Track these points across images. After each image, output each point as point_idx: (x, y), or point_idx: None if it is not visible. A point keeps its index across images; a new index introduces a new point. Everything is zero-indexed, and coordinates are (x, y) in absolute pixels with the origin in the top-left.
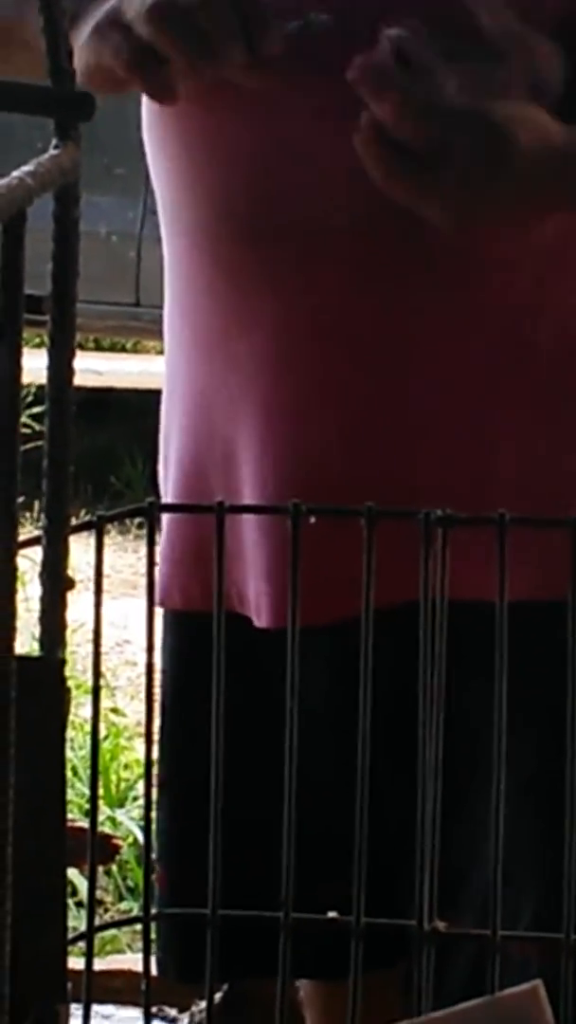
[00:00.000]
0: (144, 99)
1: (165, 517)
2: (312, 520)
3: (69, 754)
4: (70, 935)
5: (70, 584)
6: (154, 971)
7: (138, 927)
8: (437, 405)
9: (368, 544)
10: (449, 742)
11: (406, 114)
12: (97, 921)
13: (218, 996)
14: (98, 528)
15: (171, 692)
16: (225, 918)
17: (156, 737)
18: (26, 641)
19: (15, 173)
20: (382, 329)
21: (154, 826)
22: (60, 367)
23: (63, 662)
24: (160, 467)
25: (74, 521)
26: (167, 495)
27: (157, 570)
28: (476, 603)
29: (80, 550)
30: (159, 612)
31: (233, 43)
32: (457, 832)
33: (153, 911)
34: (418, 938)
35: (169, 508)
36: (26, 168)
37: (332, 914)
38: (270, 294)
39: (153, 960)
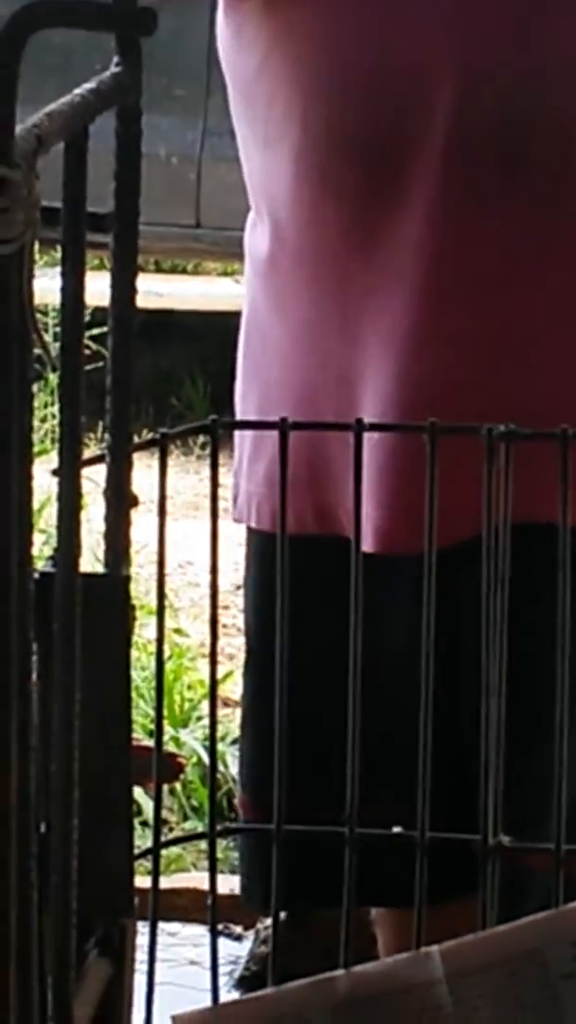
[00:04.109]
0: (225, 21)
1: (266, 438)
2: (375, 436)
3: (133, 675)
4: (136, 852)
5: (134, 501)
6: (220, 889)
7: (203, 845)
8: (562, 328)
9: (431, 459)
10: (514, 662)
11: None
12: (162, 839)
13: (283, 914)
14: (162, 445)
15: (255, 618)
16: (292, 839)
17: (223, 668)
18: (88, 563)
19: (76, 91)
20: (500, 254)
21: (225, 748)
22: (123, 283)
23: (128, 579)
24: (238, 387)
25: (137, 440)
26: (251, 414)
27: (241, 491)
28: (545, 525)
29: (142, 473)
30: (229, 542)
31: None
32: (519, 752)
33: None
34: (483, 852)
35: (232, 425)
36: (88, 85)
37: (396, 829)
38: (391, 216)
39: (223, 879)
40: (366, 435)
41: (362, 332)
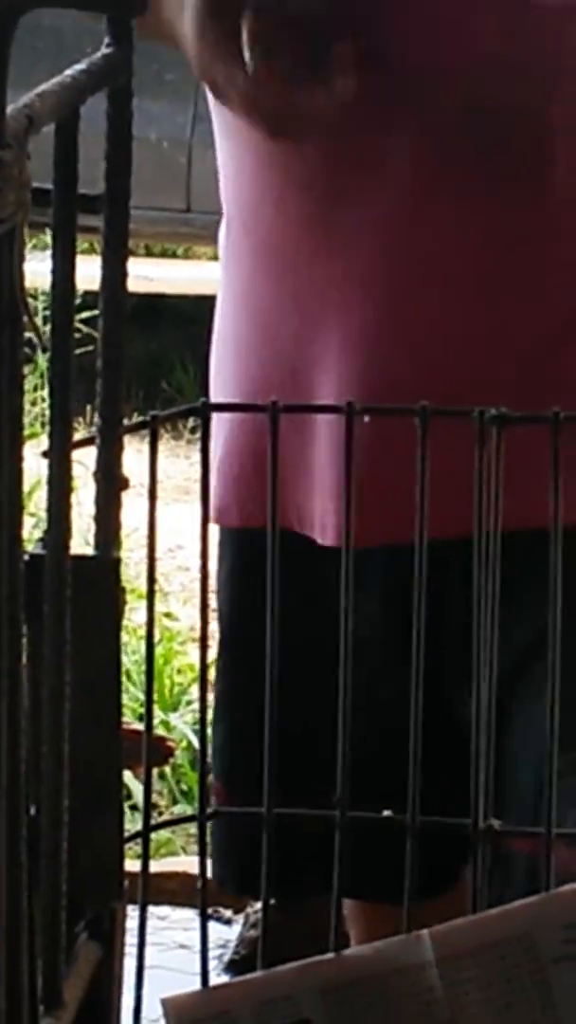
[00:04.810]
0: None
1: (222, 432)
2: (366, 419)
3: (123, 658)
4: (126, 836)
5: (124, 484)
6: (209, 873)
7: (192, 829)
8: (531, 318)
9: (422, 442)
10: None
11: None
12: (152, 823)
13: (273, 900)
14: (152, 428)
15: (228, 611)
16: (281, 824)
17: (213, 652)
18: (79, 547)
19: (67, 72)
20: (470, 245)
21: (209, 734)
22: (114, 265)
23: (118, 561)
24: (212, 379)
25: (127, 423)
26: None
27: (212, 487)
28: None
29: (132, 458)
30: (215, 530)
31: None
32: (505, 741)
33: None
34: (474, 836)
35: (222, 408)
36: (79, 67)
37: (387, 813)
38: (348, 212)
39: (209, 864)
40: (321, 428)
41: (322, 326)
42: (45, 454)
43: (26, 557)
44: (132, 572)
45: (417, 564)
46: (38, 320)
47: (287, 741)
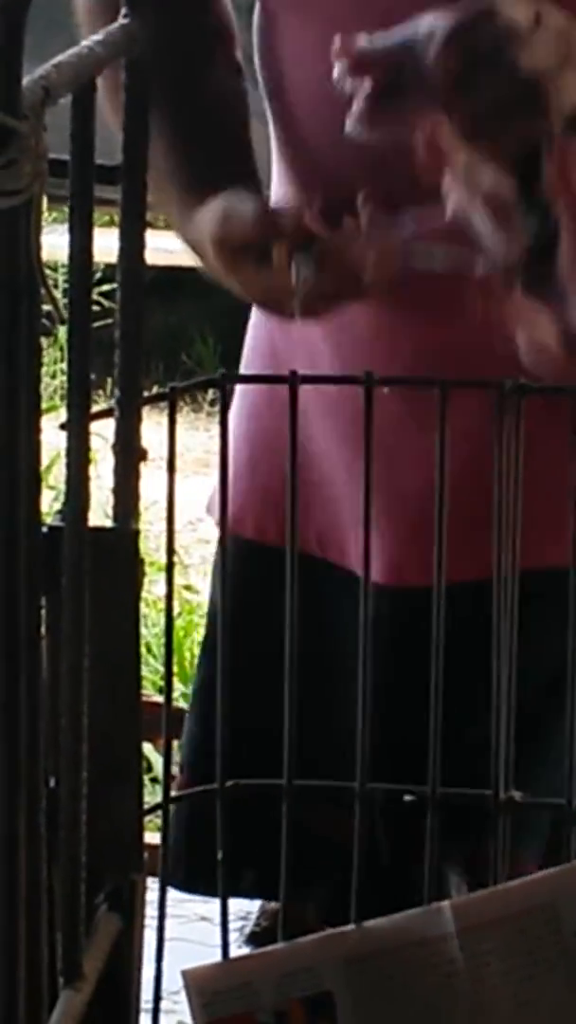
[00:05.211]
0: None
1: (241, 447)
2: (385, 391)
3: (143, 631)
4: (145, 808)
5: (142, 455)
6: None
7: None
8: None
9: (441, 415)
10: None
11: None
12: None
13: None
14: (171, 399)
15: (223, 616)
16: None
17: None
18: (98, 520)
19: (84, 42)
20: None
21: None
22: (132, 235)
23: (137, 532)
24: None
25: (147, 395)
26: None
27: (231, 496)
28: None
29: (151, 431)
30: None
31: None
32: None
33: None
34: (495, 808)
35: (240, 379)
36: (95, 37)
37: (408, 798)
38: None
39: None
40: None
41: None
42: (63, 426)
43: (45, 529)
44: (152, 545)
45: (436, 551)
46: (57, 294)
47: (271, 736)
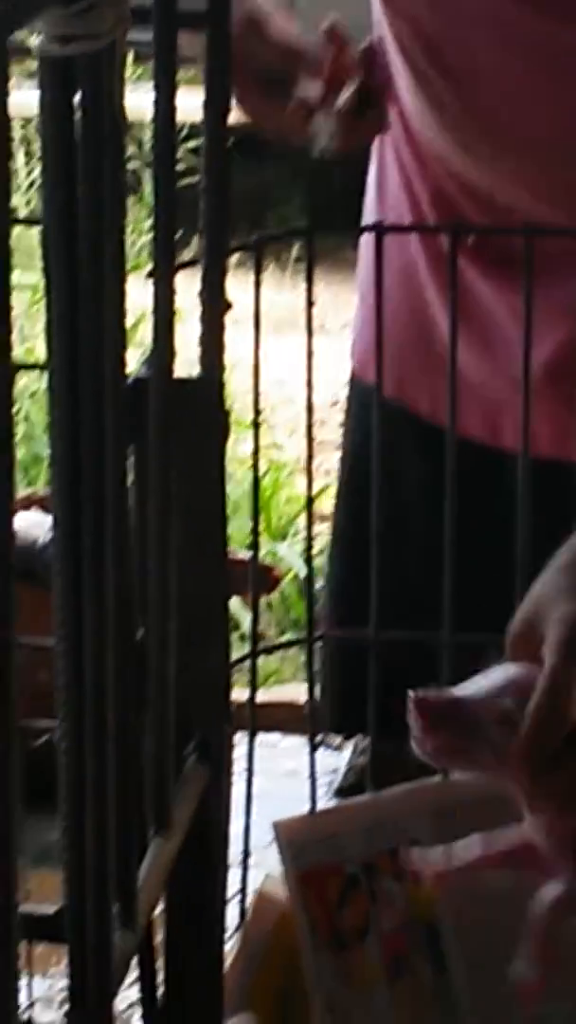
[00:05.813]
0: None
1: (370, 294)
2: (470, 242)
3: (230, 489)
4: (233, 660)
5: (228, 306)
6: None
7: (302, 659)
8: None
9: (527, 266)
10: None
11: None
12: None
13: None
14: (258, 250)
15: (353, 464)
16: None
17: (319, 483)
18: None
19: None
20: None
21: (322, 562)
22: (216, 90)
23: (222, 382)
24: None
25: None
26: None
27: (359, 344)
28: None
29: (237, 288)
30: (336, 348)
31: None
32: None
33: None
34: None
35: (326, 230)
36: None
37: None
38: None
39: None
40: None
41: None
42: (150, 274)
43: (131, 381)
44: (238, 404)
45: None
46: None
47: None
